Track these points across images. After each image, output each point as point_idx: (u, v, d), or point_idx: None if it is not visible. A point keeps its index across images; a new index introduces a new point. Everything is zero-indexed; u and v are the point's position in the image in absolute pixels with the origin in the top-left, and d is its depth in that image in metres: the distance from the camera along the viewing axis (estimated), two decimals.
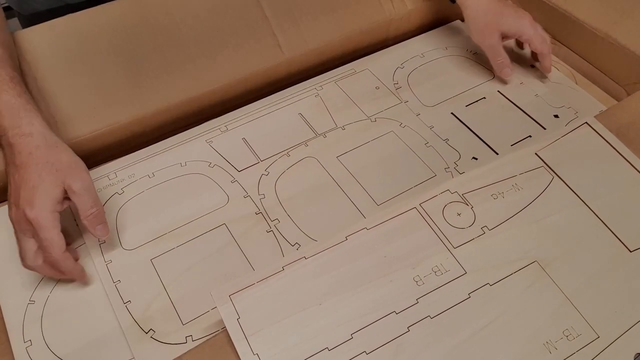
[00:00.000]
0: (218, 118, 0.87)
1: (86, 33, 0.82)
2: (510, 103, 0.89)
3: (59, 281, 0.70)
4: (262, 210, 0.77)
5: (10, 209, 0.66)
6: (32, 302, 0.68)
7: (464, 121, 0.87)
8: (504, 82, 0.90)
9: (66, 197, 0.66)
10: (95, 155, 0.82)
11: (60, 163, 0.66)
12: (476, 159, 0.82)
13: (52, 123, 0.77)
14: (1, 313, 0.68)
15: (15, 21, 1.04)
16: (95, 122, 0.79)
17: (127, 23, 0.81)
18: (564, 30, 0.95)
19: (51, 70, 0.80)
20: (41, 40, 0.80)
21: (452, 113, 0.88)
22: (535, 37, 0.86)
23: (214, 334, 0.64)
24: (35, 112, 0.68)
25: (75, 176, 0.66)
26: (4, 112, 0.66)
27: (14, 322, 0.66)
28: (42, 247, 0.64)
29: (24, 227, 0.64)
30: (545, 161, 0.69)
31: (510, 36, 0.88)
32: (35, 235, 0.64)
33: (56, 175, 0.65)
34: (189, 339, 0.65)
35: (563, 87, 0.92)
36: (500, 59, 0.87)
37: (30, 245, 0.65)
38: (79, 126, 0.79)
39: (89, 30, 0.82)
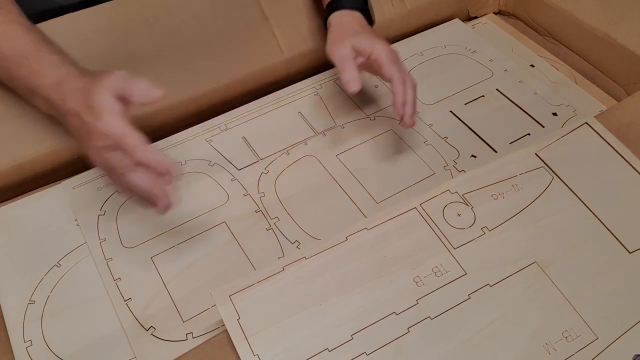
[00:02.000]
0: (218, 117, 0.87)
1: (85, 33, 0.81)
2: (509, 101, 0.89)
3: (59, 280, 0.70)
4: (262, 208, 0.77)
5: (88, 149, 0.64)
6: (32, 302, 0.68)
7: (462, 119, 0.87)
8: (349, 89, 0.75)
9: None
10: None
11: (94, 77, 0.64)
12: (475, 156, 0.82)
13: (50, 123, 0.77)
14: (1, 313, 0.68)
15: None
16: None
17: (126, 23, 0.81)
18: (564, 30, 0.95)
19: None
20: None
21: (451, 111, 0.88)
22: (386, 59, 0.74)
23: (215, 331, 0.65)
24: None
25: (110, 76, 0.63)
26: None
27: (14, 322, 0.67)
28: (129, 151, 0.61)
29: (105, 145, 0.61)
30: (545, 162, 0.69)
31: (361, 51, 0.76)
32: (117, 147, 0.62)
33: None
34: (190, 336, 0.65)
35: (562, 86, 0.92)
36: (346, 71, 0.75)
37: (118, 158, 0.62)
38: None
39: (88, 31, 0.82)
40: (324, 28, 0.82)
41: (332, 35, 0.79)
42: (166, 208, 0.66)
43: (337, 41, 0.77)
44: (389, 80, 0.74)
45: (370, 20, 0.83)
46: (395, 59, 0.76)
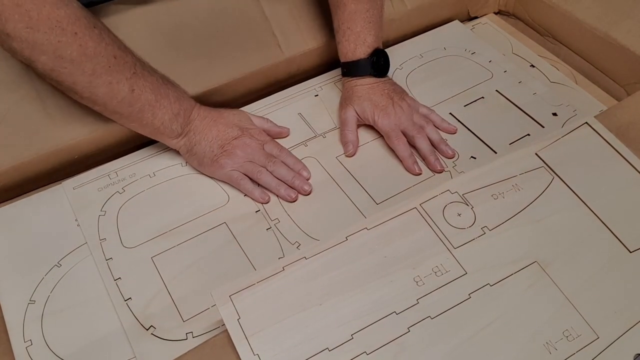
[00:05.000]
0: None
1: None
2: (509, 102, 0.89)
3: (59, 280, 0.70)
4: (262, 209, 0.77)
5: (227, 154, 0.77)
6: (32, 302, 0.68)
7: (462, 121, 0.87)
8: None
9: None
10: (96, 155, 0.82)
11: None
12: (475, 158, 0.82)
13: (51, 123, 0.77)
14: (1, 313, 0.68)
15: None
16: (95, 122, 0.79)
17: (126, 24, 0.81)
18: (564, 30, 0.96)
19: None
20: None
21: (450, 113, 0.88)
22: (388, 132, 0.82)
23: (215, 331, 0.65)
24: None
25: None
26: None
27: (14, 322, 0.67)
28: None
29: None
30: (545, 161, 0.69)
31: (361, 117, 0.84)
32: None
33: None
34: (190, 335, 0.65)
35: (562, 86, 0.92)
36: (344, 134, 0.84)
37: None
38: (78, 127, 0.79)
39: None
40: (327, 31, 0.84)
41: (342, 96, 0.88)
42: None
43: (343, 104, 0.86)
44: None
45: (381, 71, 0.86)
46: (396, 128, 0.82)
